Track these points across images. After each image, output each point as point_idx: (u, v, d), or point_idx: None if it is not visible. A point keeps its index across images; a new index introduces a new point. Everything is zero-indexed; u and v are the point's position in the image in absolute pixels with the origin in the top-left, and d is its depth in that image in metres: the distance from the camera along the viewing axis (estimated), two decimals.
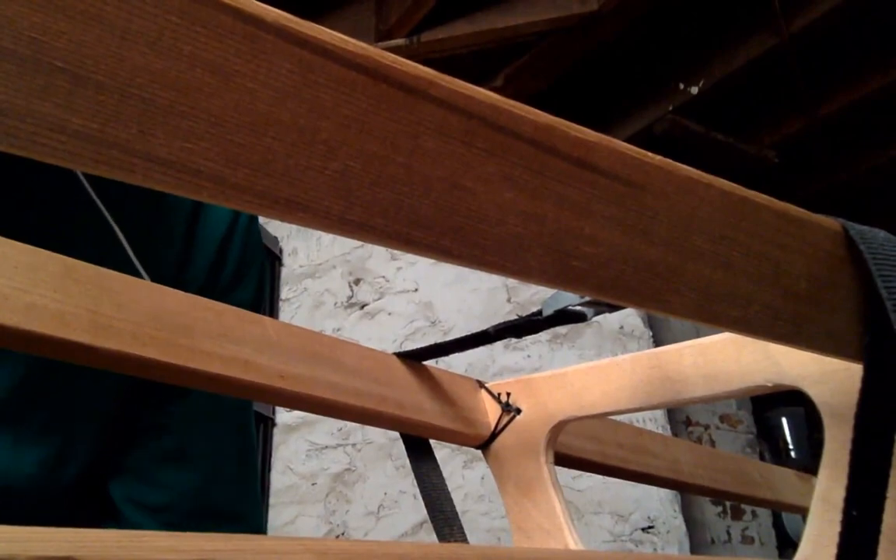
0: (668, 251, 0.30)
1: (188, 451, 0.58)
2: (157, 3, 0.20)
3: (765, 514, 3.19)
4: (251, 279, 0.63)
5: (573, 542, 0.57)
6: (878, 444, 0.36)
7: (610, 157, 0.28)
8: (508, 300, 2.26)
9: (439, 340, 0.58)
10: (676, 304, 0.30)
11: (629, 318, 2.24)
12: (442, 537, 0.57)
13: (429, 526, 2.19)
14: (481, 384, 0.65)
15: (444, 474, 2.10)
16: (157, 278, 0.50)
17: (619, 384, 0.55)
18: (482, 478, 2.16)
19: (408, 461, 2.22)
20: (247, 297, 0.62)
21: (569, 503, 2.12)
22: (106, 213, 0.53)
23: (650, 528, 2.18)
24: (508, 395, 0.62)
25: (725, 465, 0.96)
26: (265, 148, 0.22)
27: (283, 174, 0.22)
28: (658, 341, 2.34)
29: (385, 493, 2.16)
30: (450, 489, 2.21)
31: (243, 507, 0.62)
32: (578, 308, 0.47)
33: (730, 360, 0.49)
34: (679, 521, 2.20)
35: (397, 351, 0.60)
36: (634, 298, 0.30)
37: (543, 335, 2.21)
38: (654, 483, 0.85)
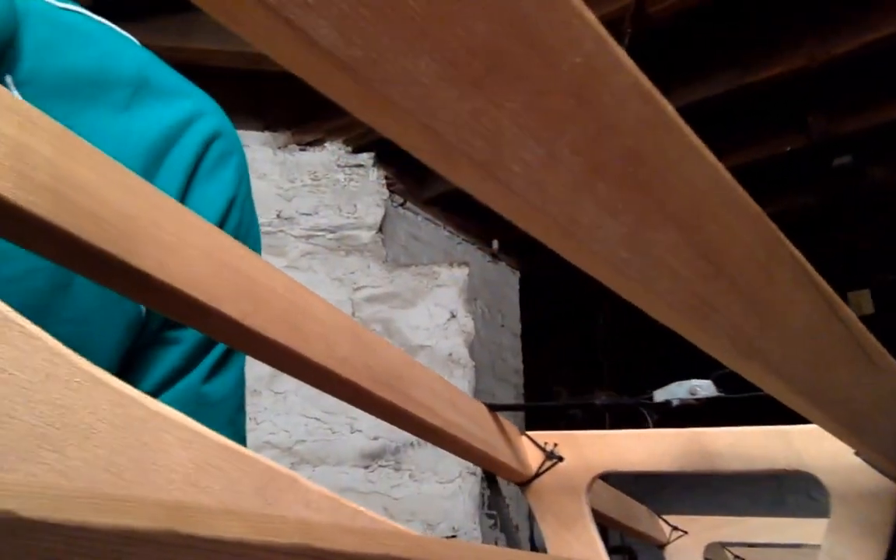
0: (867, 401, 0.47)
1: None
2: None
3: (523, 529, 3.59)
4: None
5: None
6: None
7: (872, 346, 0.44)
8: (353, 315, 2.36)
9: None
10: (858, 428, 0.48)
11: (458, 348, 2.45)
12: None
13: None
14: (523, 432, 0.79)
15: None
16: None
17: (662, 450, 0.72)
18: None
19: None
20: None
21: (385, 509, 2.30)
22: None
23: (454, 536, 2.40)
24: (556, 444, 0.76)
25: (616, 500, 1.18)
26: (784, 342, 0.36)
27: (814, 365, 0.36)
28: (477, 368, 2.57)
29: None
30: None
31: None
32: (677, 401, 0.63)
33: (759, 446, 0.68)
34: (478, 532, 2.44)
35: (486, 401, 0.71)
36: (840, 421, 0.47)
37: None
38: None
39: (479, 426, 0.69)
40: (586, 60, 0.21)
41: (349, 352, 0.48)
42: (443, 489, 2.34)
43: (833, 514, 0.65)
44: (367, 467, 2.29)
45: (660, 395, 0.64)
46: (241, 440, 0.63)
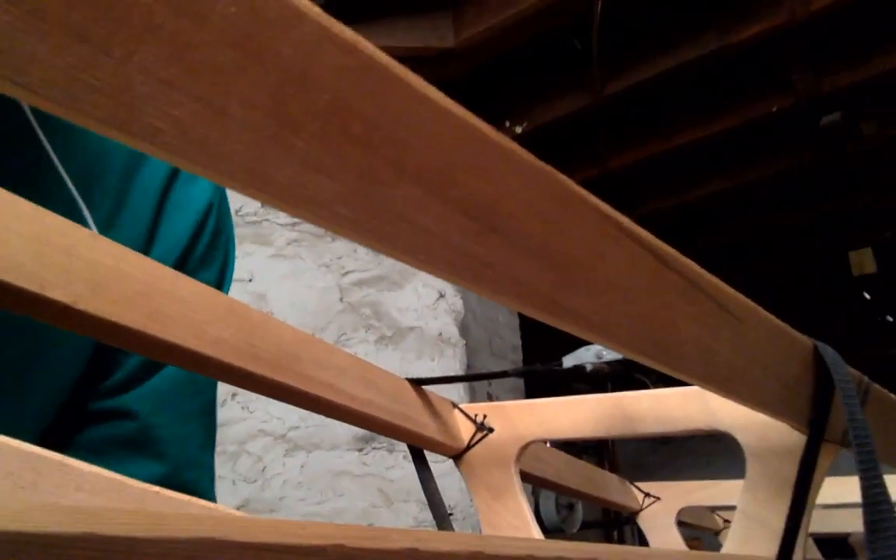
0: (737, 355, 0.46)
1: (153, 435, 0.58)
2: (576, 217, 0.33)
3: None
4: (218, 258, 0.63)
5: (538, 536, 0.73)
6: (806, 479, 0.56)
7: (727, 297, 0.43)
8: (341, 300, 2.36)
9: None
10: (729, 385, 0.47)
11: (447, 327, 2.45)
12: (440, 528, 0.69)
13: None
14: (455, 405, 0.79)
15: (266, 462, 2.15)
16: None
17: (585, 416, 0.72)
18: (301, 466, 2.24)
19: None
20: (211, 277, 0.63)
21: (380, 491, 2.30)
22: (71, 187, 0.52)
23: (450, 514, 2.41)
24: (485, 416, 0.76)
25: (583, 471, 1.17)
26: (587, 291, 0.35)
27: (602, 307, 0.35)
28: (468, 347, 2.57)
29: None
30: (269, 477, 2.30)
31: (201, 490, 0.62)
32: (590, 365, 0.62)
33: (678, 408, 0.68)
34: (473, 509, 2.45)
35: (409, 377, 0.71)
36: (705, 378, 0.46)
37: (371, 336, 2.35)
38: (546, 486, 1.03)
39: (399, 402, 0.69)
40: (245, 9, 0.20)
41: (224, 332, 0.48)
42: (436, 468, 2.35)
43: (748, 471, 0.64)
44: (360, 450, 2.30)
45: (569, 361, 0.63)
46: (214, 425, 0.65)
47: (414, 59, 2.23)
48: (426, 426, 0.72)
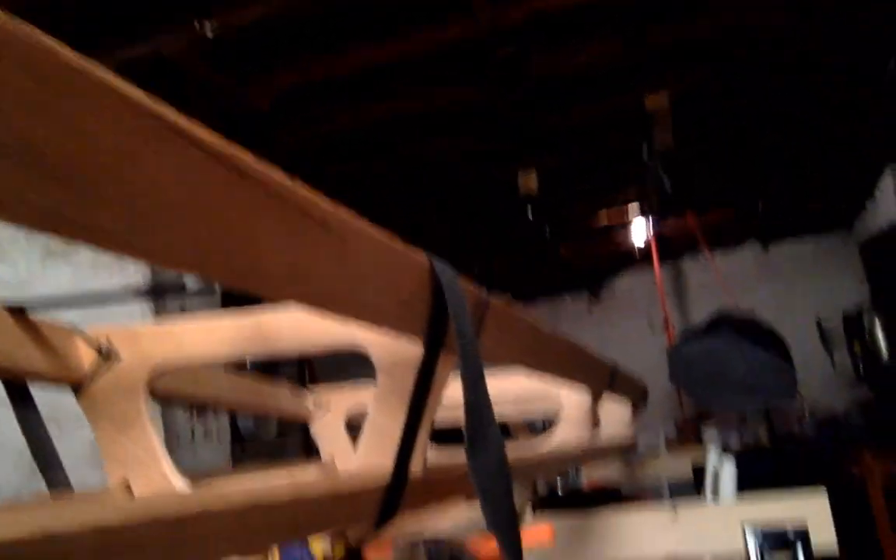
0: (341, 274, 0.45)
1: None
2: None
3: (223, 413, 3.53)
4: None
5: (169, 470, 0.68)
6: (424, 389, 0.58)
7: (323, 214, 0.41)
8: None
9: None
10: (334, 304, 0.46)
11: None
12: (49, 483, 0.61)
13: None
14: (77, 331, 0.69)
15: None
16: None
17: (222, 337, 0.67)
18: None
19: None
20: None
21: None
22: None
23: None
24: (109, 341, 0.68)
25: (248, 386, 1.14)
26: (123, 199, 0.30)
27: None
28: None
29: None
30: None
31: None
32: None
33: (318, 326, 0.66)
34: None
35: (7, 305, 0.61)
36: (302, 298, 0.45)
37: (36, 248, 2.06)
38: (205, 406, 0.98)
39: None
40: None
41: None
42: None
43: (378, 384, 0.65)
44: None
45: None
46: None
47: None
48: (30, 358, 0.62)
